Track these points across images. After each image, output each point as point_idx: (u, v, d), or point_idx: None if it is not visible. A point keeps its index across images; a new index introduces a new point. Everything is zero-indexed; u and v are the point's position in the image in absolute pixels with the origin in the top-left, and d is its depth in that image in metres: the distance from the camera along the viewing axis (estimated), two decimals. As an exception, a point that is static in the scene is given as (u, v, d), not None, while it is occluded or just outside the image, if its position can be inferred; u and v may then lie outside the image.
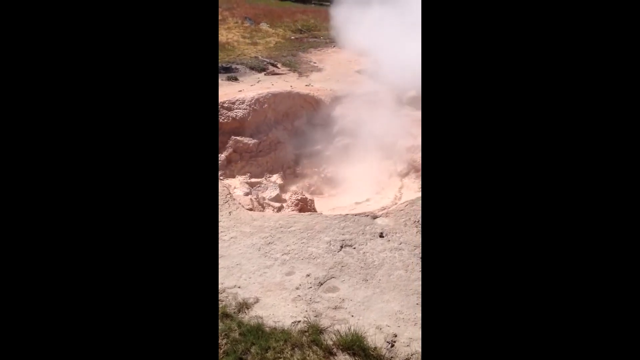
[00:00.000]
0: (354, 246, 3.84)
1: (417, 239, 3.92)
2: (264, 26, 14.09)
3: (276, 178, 6.75)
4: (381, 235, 3.99)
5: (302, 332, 2.90)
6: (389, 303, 3.19)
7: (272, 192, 6.20)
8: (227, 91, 7.55)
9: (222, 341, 2.81)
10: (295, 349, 2.76)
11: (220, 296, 3.24)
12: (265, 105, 7.25)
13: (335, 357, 2.74)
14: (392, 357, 2.74)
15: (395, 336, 2.89)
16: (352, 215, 4.31)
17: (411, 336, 2.89)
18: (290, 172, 7.15)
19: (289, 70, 9.31)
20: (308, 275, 3.48)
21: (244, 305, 3.15)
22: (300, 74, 8.95)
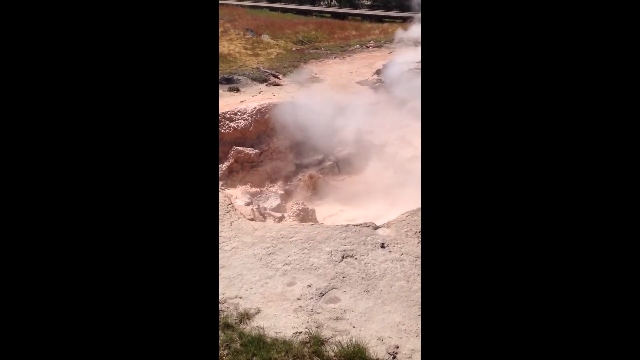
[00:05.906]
0: (355, 257, 3.83)
1: (419, 249, 3.91)
2: (265, 37, 14.20)
3: (277, 188, 6.76)
4: (382, 246, 3.98)
5: (304, 343, 2.89)
6: (391, 314, 3.18)
7: (273, 202, 6.21)
8: (228, 102, 7.59)
9: (223, 352, 2.80)
10: (297, 360, 2.74)
11: (222, 306, 3.23)
12: (267, 115, 7.29)
13: (337, 369, 2.73)
14: (394, 369, 2.73)
15: (397, 347, 2.88)
16: (353, 225, 4.31)
17: (413, 347, 2.87)
18: (291, 181, 7.16)
19: (290, 81, 9.37)
20: (309, 286, 3.47)
21: (246, 316, 3.14)
22: (302, 85, 9.00)
